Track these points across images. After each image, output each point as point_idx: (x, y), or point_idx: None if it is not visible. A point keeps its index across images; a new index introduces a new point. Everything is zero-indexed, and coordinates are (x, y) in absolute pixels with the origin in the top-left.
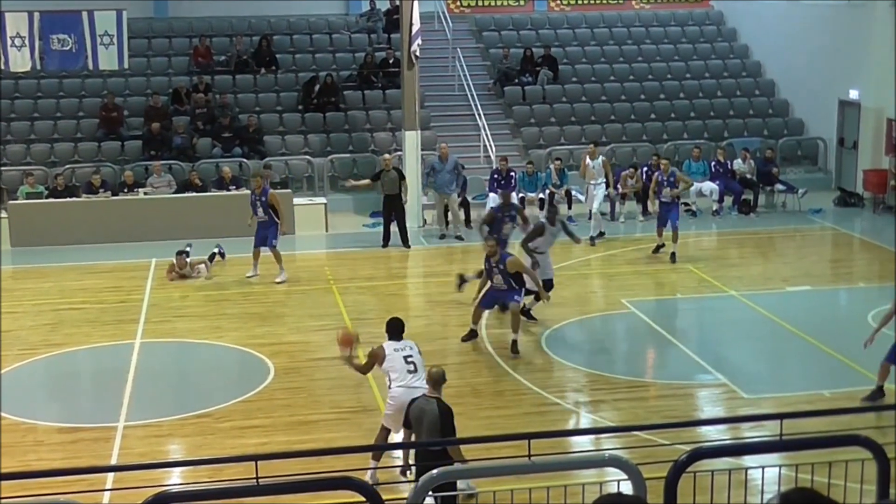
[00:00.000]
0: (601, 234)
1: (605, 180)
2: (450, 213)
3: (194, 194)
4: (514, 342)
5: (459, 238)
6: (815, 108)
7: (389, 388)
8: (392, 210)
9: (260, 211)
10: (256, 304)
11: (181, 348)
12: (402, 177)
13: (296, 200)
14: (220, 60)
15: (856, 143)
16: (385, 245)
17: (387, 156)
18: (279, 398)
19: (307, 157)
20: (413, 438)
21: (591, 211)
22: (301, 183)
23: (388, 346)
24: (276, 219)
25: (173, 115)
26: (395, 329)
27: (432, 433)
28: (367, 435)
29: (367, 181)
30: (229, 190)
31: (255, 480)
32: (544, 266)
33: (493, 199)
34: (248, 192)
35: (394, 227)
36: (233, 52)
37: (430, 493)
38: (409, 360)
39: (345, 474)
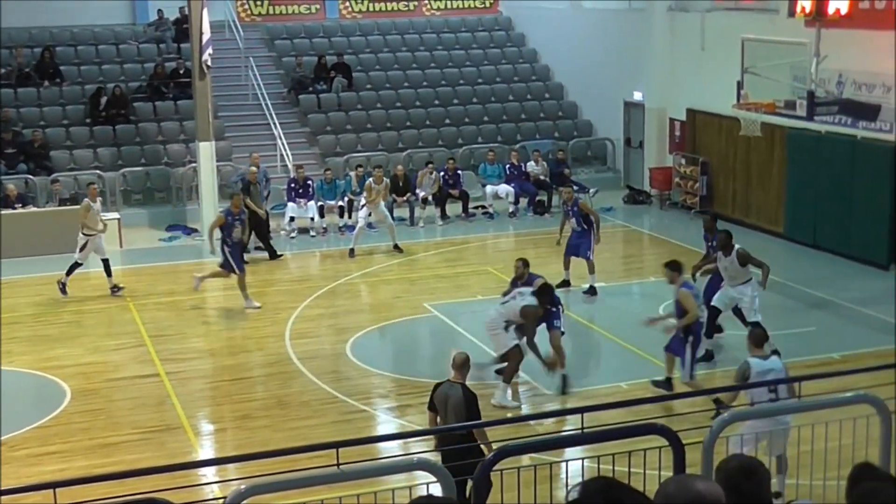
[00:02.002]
0: (396, 246)
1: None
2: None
3: None
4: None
5: (260, 248)
6: (602, 110)
7: None
8: (256, 223)
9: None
10: (49, 326)
11: None
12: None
13: None
14: None
15: (641, 143)
16: (273, 257)
17: (253, 168)
18: (77, 422)
19: (97, 171)
20: (438, 421)
21: (359, 226)
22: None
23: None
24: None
25: None
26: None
27: (457, 417)
28: (172, 454)
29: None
30: (15, 208)
31: None
32: (739, 303)
33: (292, 209)
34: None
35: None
36: (13, 64)
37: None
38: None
39: (149, 496)
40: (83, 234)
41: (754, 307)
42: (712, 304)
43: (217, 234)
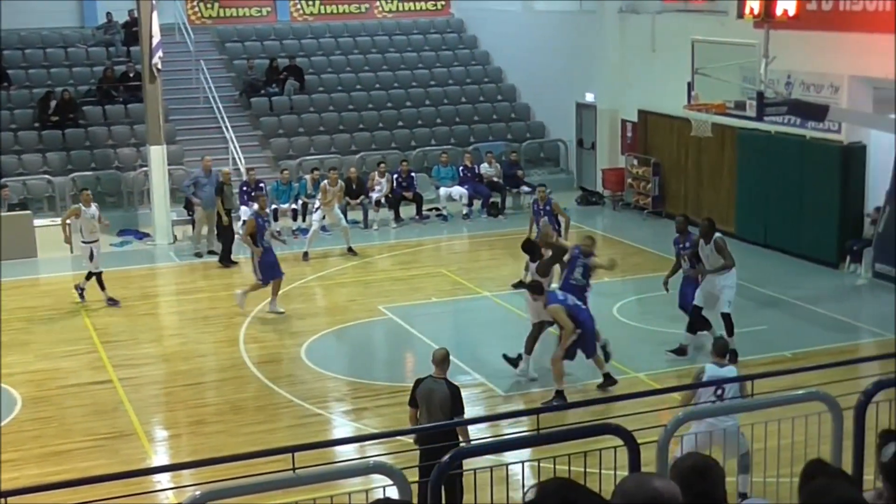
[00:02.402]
0: (351, 248)
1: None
2: (205, 228)
3: None
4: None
5: (213, 253)
6: (554, 112)
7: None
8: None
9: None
10: None
11: None
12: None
13: (37, 222)
14: None
15: (594, 144)
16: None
17: (226, 169)
18: (28, 429)
19: (47, 176)
20: (419, 417)
21: (313, 229)
22: (42, 203)
23: None
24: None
25: None
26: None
27: (443, 412)
28: (126, 461)
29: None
30: None
31: None
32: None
33: (245, 212)
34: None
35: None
36: None
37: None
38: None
39: None
40: (83, 242)
41: (728, 299)
42: (694, 302)
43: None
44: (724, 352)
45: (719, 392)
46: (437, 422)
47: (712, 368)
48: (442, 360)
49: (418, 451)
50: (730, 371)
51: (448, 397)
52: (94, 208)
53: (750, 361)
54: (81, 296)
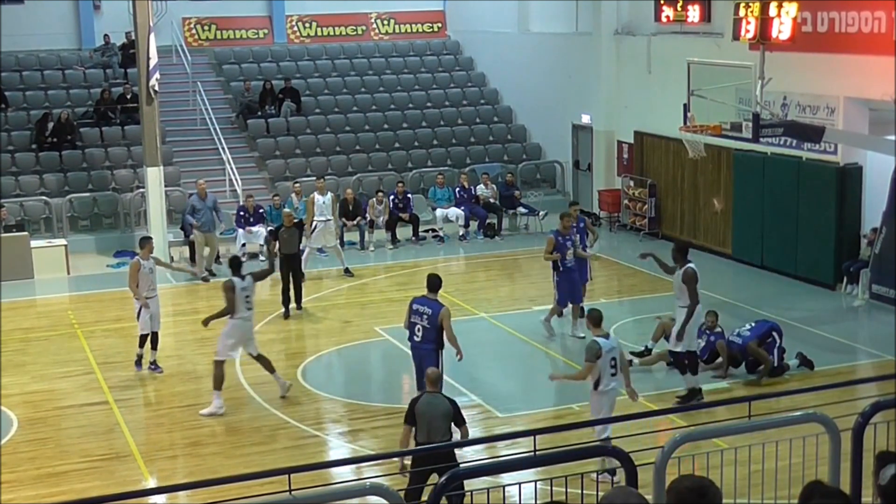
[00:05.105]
0: (347, 270)
1: (331, 217)
2: (206, 250)
3: None
4: None
5: (210, 274)
6: (551, 133)
7: None
8: (290, 270)
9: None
10: None
11: None
12: (301, 232)
13: (34, 243)
14: None
15: (590, 165)
16: (287, 315)
17: (287, 210)
18: (24, 451)
19: (44, 197)
20: (416, 433)
21: (321, 248)
22: (39, 225)
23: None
24: None
25: None
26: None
27: (445, 424)
28: (121, 482)
29: (274, 243)
30: None
31: None
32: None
33: (243, 236)
34: None
35: None
36: None
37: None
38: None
39: None
40: (136, 299)
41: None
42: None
43: None
44: (599, 322)
45: (612, 361)
46: (438, 434)
47: (604, 342)
48: (436, 380)
49: (409, 474)
50: (614, 341)
51: (449, 409)
52: (151, 261)
53: (747, 382)
54: (156, 368)
